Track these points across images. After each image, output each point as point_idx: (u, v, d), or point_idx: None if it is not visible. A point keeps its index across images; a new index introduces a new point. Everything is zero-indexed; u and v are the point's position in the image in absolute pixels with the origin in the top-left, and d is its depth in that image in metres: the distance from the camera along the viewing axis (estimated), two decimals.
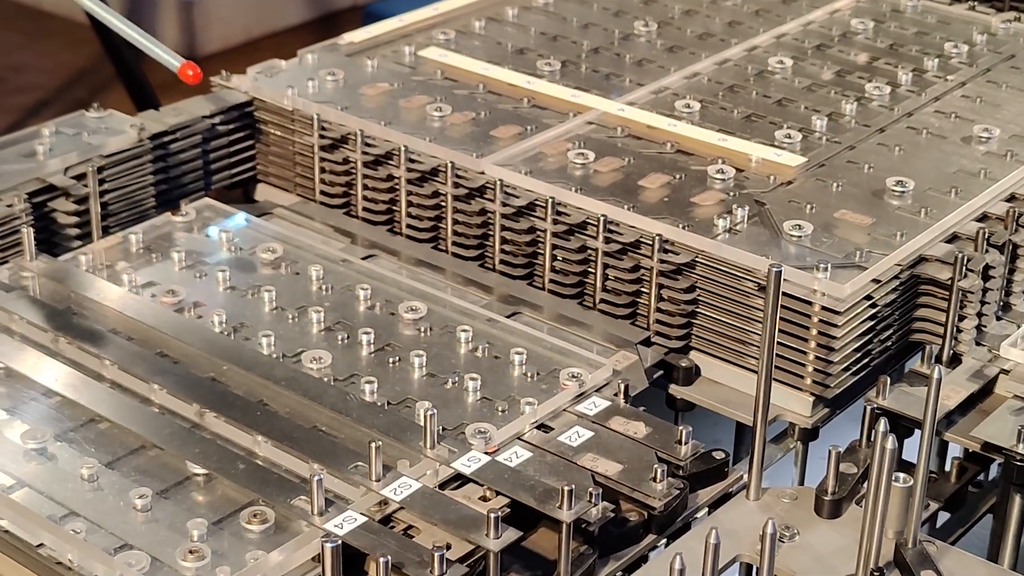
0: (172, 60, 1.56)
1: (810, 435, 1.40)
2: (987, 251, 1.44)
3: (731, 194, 1.50)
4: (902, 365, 1.49)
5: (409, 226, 1.61)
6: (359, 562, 1.15)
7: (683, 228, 1.43)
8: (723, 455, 1.29)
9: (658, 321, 1.45)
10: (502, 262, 1.54)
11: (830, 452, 1.24)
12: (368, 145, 1.62)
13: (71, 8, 3.96)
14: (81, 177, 1.56)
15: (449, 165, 1.55)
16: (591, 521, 1.19)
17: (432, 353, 1.39)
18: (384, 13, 2.40)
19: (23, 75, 3.79)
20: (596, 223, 1.46)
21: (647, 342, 1.45)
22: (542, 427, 1.31)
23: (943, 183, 1.53)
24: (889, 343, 1.43)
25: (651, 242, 1.43)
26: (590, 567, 1.19)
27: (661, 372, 1.44)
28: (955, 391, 1.36)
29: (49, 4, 4.09)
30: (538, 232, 1.51)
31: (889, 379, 1.35)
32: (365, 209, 1.64)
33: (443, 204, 1.57)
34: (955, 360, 1.42)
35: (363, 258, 1.56)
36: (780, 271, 1.19)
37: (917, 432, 1.34)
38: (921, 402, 1.18)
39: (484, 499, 1.20)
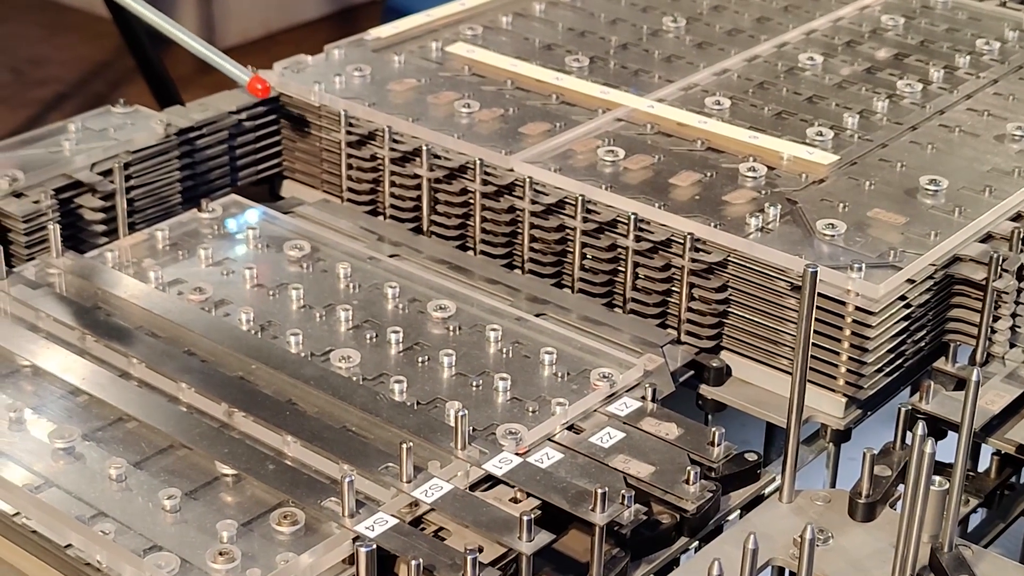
0: (241, 74, 1.56)
1: (842, 436, 1.39)
2: (1022, 251, 1.42)
3: (763, 192, 1.49)
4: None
5: (437, 223, 1.59)
6: (389, 564, 1.14)
7: (715, 227, 1.42)
8: (755, 457, 1.28)
9: (689, 321, 1.44)
10: (531, 260, 1.53)
11: (865, 454, 1.23)
12: (396, 142, 1.61)
13: (90, 1, 3.96)
14: (107, 173, 1.56)
15: (478, 162, 1.54)
16: (624, 524, 1.18)
17: (461, 352, 1.38)
18: (403, 7, 2.39)
19: (42, 68, 3.79)
20: (627, 221, 1.45)
21: (674, 343, 1.44)
22: (572, 428, 1.30)
23: (977, 182, 1.51)
24: (922, 344, 1.42)
25: (682, 241, 1.42)
26: (622, 570, 1.18)
27: (691, 372, 1.43)
28: (999, 396, 1.35)
29: None
30: (568, 230, 1.50)
31: (933, 383, 1.34)
32: (392, 206, 1.63)
33: (471, 201, 1.56)
34: (987, 361, 1.41)
35: (390, 256, 1.55)
36: (816, 271, 1.18)
37: (951, 434, 1.34)
38: (960, 406, 1.16)
39: (515, 500, 1.19)
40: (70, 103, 3.62)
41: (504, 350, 1.39)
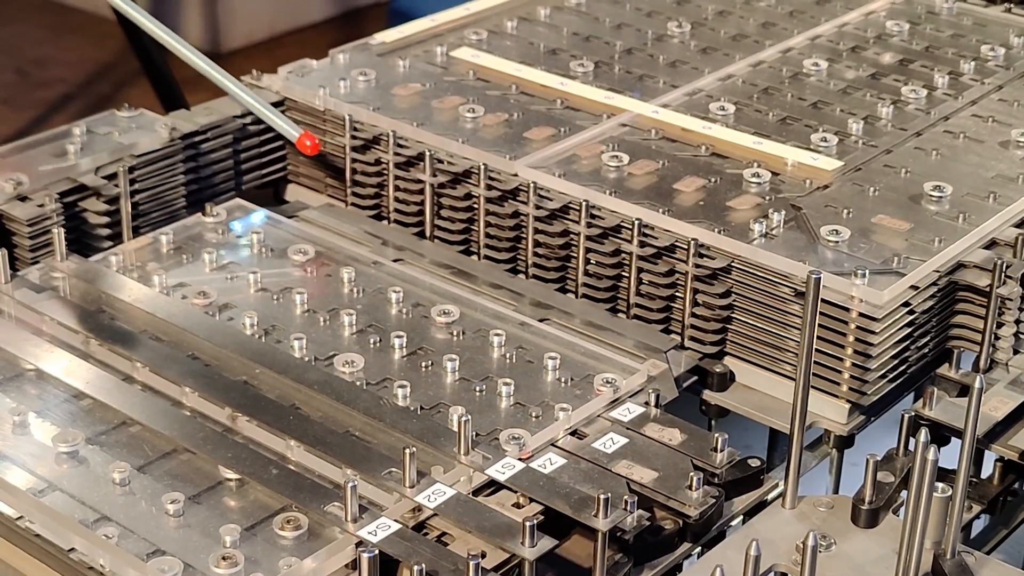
0: (291, 131, 1.57)
1: (846, 442, 1.39)
2: None
3: (767, 198, 1.49)
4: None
5: (441, 228, 1.60)
6: (392, 569, 1.14)
7: (719, 232, 1.42)
8: (759, 463, 1.28)
9: (693, 326, 1.44)
10: (535, 265, 1.53)
11: (868, 461, 1.23)
12: (400, 146, 1.61)
13: (95, 2, 3.96)
14: (112, 177, 1.56)
15: (482, 167, 1.54)
16: (627, 529, 1.18)
17: (465, 357, 1.38)
18: (408, 10, 2.38)
19: (47, 69, 3.80)
20: (631, 227, 1.45)
21: (678, 349, 1.44)
22: (576, 433, 1.30)
23: (981, 188, 1.51)
24: (926, 350, 1.42)
25: (686, 246, 1.42)
26: None
27: (695, 378, 1.43)
28: (1003, 402, 1.35)
29: None
30: (572, 235, 1.50)
31: (936, 389, 1.34)
32: (396, 211, 1.63)
33: (475, 206, 1.56)
34: (991, 367, 1.41)
35: (393, 260, 1.55)
36: (820, 278, 1.18)
37: (953, 440, 1.34)
38: (963, 413, 1.16)
39: (518, 505, 1.19)
40: (74, 104, 3.62)
41: (508, 355, 1.39)
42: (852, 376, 1.36)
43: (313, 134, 1.63)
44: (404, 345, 1.39)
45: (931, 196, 1.49)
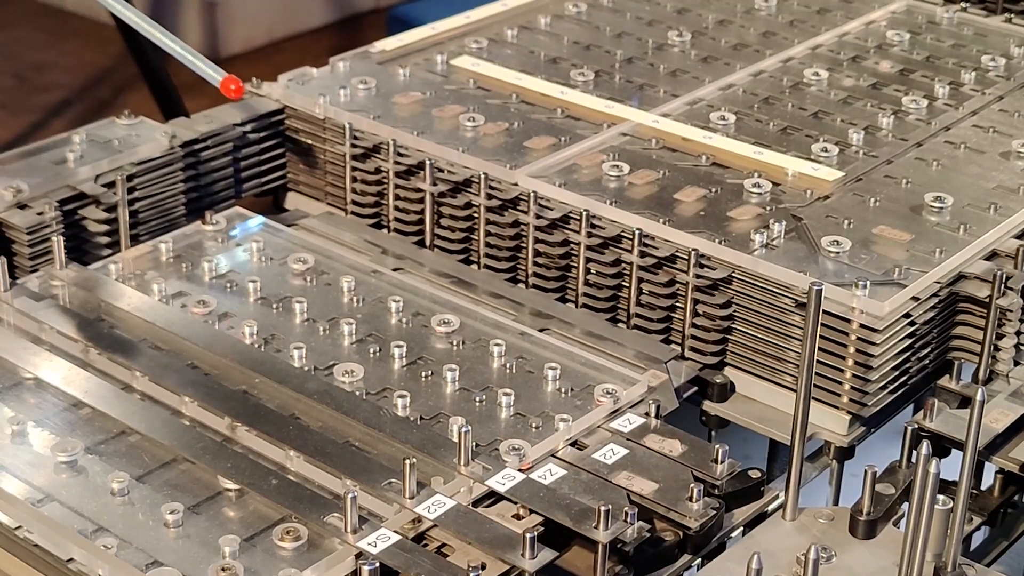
0: (214, 74, 1.54)
1: (846, 454, 1.39)
2: None
3: (768, 208, 1.49)
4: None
5: (441, 237, 1.59)
6: None
7: (719, 243, 1.42)
8: (759, 474, 1.28)
9: (693, 337, 1.44)
10: (535, 274, 1.53)
11: (866, 472, 1.23)
12: (400, 155, 1.61)
13: (94, 7, 3.96)
14: (111, 185, 1.55)
15: (482, 176, 1.54)
16: (627, 541, 1.18)
17: (465, 367, 1.37)
18: (408, 16, 2.38)
19: (46, 74, 3.79)
20: (631, 237, 1.45)
21: (678, 359, 1.44)
22: (576, 444, 1.29)
23: (982, 199, 1.51)
24: (926, 361, 1.42)
25: (687, 257, 1.42)
26: None
27: (695, 388, 1.43)
28: (1003, 414, 1.35)
29: (72, 3, 4.09)
30: (572, 245, 1.50)
31: (937, 401, 1.34)
32: (396, 219, 1.63)
33: (475, 215, 1.56)
34: (991, 379, 1.41)
35: (393, 269, 1.55)
36: (821, 289, 1.18)
37: (953, 451, 1.34)
38: (964, 424, 1.16)
39: (518, 517, 1.19)
40: (73, 109, 3.62)
41: (508, 365, 1.39)
42: (853, 387, 1.36)
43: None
44: (404, 355, 1.39)
45: (932, 207, 1.49)
